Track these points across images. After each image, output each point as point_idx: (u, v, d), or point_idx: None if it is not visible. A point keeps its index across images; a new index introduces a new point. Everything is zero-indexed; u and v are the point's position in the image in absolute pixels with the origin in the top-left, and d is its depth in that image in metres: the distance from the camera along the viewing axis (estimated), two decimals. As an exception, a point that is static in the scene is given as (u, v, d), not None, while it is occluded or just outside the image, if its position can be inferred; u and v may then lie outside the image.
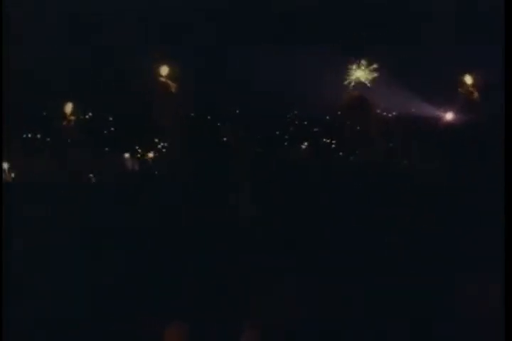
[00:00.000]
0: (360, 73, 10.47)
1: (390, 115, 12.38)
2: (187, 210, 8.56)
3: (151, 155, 12.48)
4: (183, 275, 7.45)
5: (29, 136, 15.13)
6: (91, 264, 7.80)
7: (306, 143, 14.27)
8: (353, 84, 10.44)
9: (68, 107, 10.32)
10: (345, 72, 11.88)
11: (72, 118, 10.58)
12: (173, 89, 8.47)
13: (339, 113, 13.86)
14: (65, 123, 10.77)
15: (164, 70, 8.69)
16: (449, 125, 12.29)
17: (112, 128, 14.11)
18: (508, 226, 5.42)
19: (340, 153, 12.84)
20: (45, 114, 14.71)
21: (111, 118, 14.19)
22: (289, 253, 7.62)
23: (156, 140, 12.20)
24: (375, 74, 10.51)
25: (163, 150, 10.98)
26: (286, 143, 14.22)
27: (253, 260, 7.51)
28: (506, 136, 6.07)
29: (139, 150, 13.65)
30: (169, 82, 8.50)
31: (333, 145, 13.80)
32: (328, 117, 14.47)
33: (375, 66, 10.29)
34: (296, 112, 15.00)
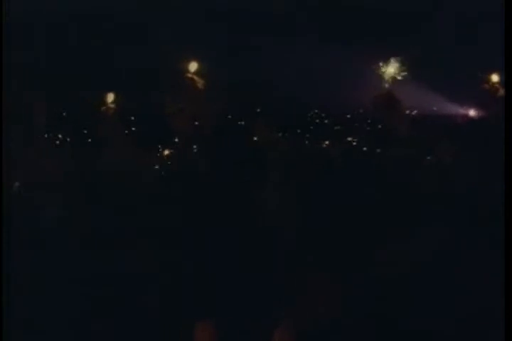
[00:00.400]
0: (392, 70, 10.35)
1: (413, 113, 12.34)
2: (215, 209, 8.54)
3: (166, 152, 12.42)
4: (209, 275, 7.42)
5: (50, 135, 15.10)
6: (114, 264, 7.80)
7: (327, 142, 14.21)
8: (385, 82, 10.31)
9: (110, 96, 10.12)
10: (367, 69, 11.80)
11: (112, 105, 10.40)
12: (200, 86, 8.42)
13: (361, 111, 13.82)
14: (103, 109, 10.58)
15: (193, 66, 8.62)
16: (473, 122, 12.22)
17: (134, 128, 14.11)
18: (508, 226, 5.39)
19: (365, 148, 12.77)
20: (64, 114, 14.72)
21: (132, 118, 14.22)
22: (318, 251, 7.59)
23: (176, 139, 12.16)
24: (406, 73, 10.41)
25: (187, 148, 10.90)
26: (307, 142, 14.16)
27: (283, 258, 7.48)
28: (506, 136, 6.04)
29: (159, 149, 13.60)
30: (197, 78, 8.45)
31: (354, 143, 13.74)
32: (348, 116, 14.45)
33: (407, 63, 10.18)
34: (316, 111, 15.00)
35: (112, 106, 11.09)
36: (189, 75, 8.52)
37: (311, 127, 14.79)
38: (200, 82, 8.34)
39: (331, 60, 13.47)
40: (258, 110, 13.99)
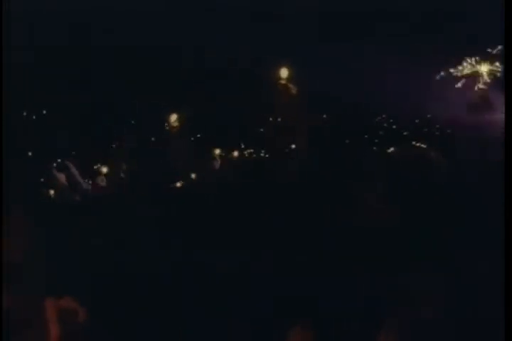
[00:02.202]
0: (486, 68, 10.11)
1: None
2: (309, 211, 8.55)
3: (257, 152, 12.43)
4: (306, 276, 7.41)
5: (113, 146, 15.29)
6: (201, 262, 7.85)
7: (392, 148, 14.11)
8: (462, 81, 10.05)
9: (173, 117, 10.41)
10: (437, 72, 11.64)
11: (176, 124, 10.66)
12: (293, 91, 8.40)
13: (428, 116, 13.70)
14: (167, 128, 10.84)
15: (284, 73, 8.64)
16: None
17: (199, 134, 14.20)
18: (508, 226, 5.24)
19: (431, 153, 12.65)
20: (133, 122, 14.88)
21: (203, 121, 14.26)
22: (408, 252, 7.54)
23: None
24: (500, 70, 10.14)
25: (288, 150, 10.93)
26: (374, 148, 14.10)
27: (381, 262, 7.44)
28: (506, 136, 5.88)
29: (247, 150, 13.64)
30: (289, 84, 8.45)
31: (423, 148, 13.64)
32: (417, 121, 14.31)
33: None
34: (384, 116, 14.89)
35: (176, 124, 11.20)
36: (282, 82, 8.50)
37: (380, 132, 14.64)
38: (293, 89, 8.29)
39: (399, 64, 13.36)
40: (324, 116, 13.95)
